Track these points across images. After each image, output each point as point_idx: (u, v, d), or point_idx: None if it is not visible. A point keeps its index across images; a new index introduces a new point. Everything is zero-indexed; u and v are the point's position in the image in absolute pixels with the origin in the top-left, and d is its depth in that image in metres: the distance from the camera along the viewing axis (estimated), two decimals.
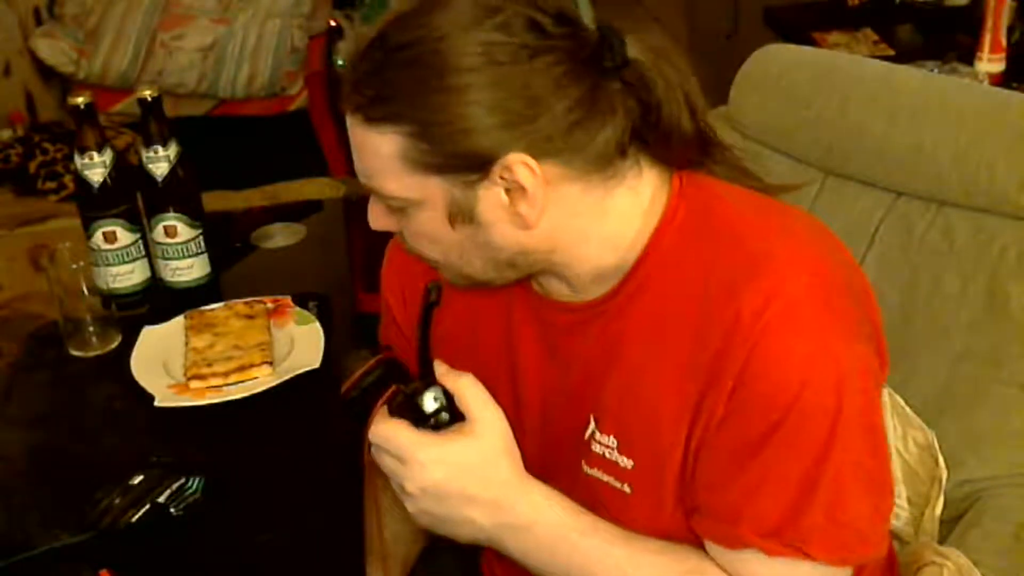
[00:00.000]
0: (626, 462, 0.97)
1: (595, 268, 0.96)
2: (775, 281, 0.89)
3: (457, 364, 0.97)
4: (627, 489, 0.97)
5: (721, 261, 0.91)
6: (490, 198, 0.89)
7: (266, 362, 1.32)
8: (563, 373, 1.02)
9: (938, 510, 1.20)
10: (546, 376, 1.03)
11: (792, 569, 0.91)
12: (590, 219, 0.93)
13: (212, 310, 1.42)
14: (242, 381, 1.30)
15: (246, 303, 1.43)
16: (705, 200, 0.96)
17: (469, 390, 0.93)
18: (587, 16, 0.90)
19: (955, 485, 1.25)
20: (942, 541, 1.20)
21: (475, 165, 0.88)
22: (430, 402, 0.94)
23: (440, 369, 0.94)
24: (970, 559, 1.12)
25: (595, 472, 1.00)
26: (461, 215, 0.90)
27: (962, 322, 1.29)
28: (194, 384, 1.30)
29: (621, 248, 0.95)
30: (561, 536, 0.94)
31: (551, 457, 1.02)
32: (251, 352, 1.33)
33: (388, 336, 1.15)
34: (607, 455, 0.98)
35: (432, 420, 0.93)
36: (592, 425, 1.00)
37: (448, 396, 0.94)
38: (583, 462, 1.01)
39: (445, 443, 0.92)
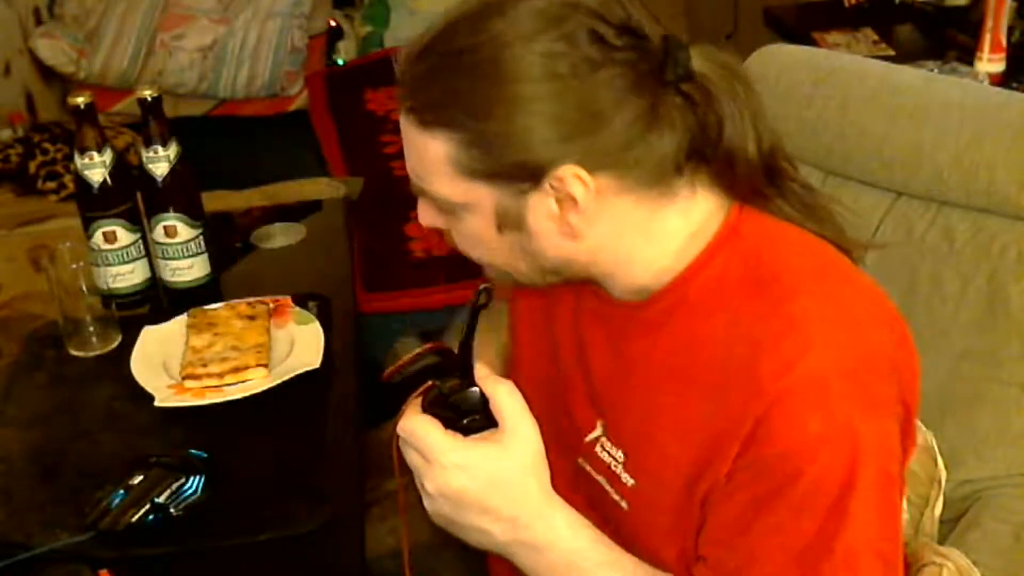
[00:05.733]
0: (628, 479, 0.96)
1: (634, 284, 0.94)
2: (803, 347, 0.85)
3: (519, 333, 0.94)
4: (624, 505, 0.96)
5: (757, 314, 0.87)
6: (540, 207, 0.88)
7: (261, 364, 1.32)
8: (586, 368, 1.01)
9: (937, 511, 1.20)
10: (571, 363, 1.03)
11: None
12: (636, 237, 0.91)
13: (215, 309, 1.42)
14: (236, 383, 1.30)
15: (248, 303, 1.43)
16: (759, 241, 0.92)
17: (506, 398, 0.90)
18: None
19: (955, 485, 1.25)
20: (942, 541, 1.20)
21: (527, 175, 0.86)
22: (465, 404, 0.91)
23: (480, 372, 0.91)
24: (970, 559, 1.12)
25: (599, 478, 0.99)
26: (509, 222, 0.89)
27: (962, 322, 1.29)
28: (188, 383, 1.30)
29: (661, 267, 0.92)
30: (576, 564, 0.91)
31: (551, 441, 1.02)
32: (247, 354, 1.33)
33: None
34: (613, 467, 0.97)
35: (464, 422, 0.91)
36: (599, 431, 0.99)
37: (484, 400, 0.91)
38: (582, 461, 1.01)
39: (473, 450, 0.89)
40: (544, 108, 0.84)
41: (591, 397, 1.01)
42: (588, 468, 1.01)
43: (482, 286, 0.94)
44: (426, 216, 0.95)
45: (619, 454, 0.97)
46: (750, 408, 0.85)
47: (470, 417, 0.91)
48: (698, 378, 0.90)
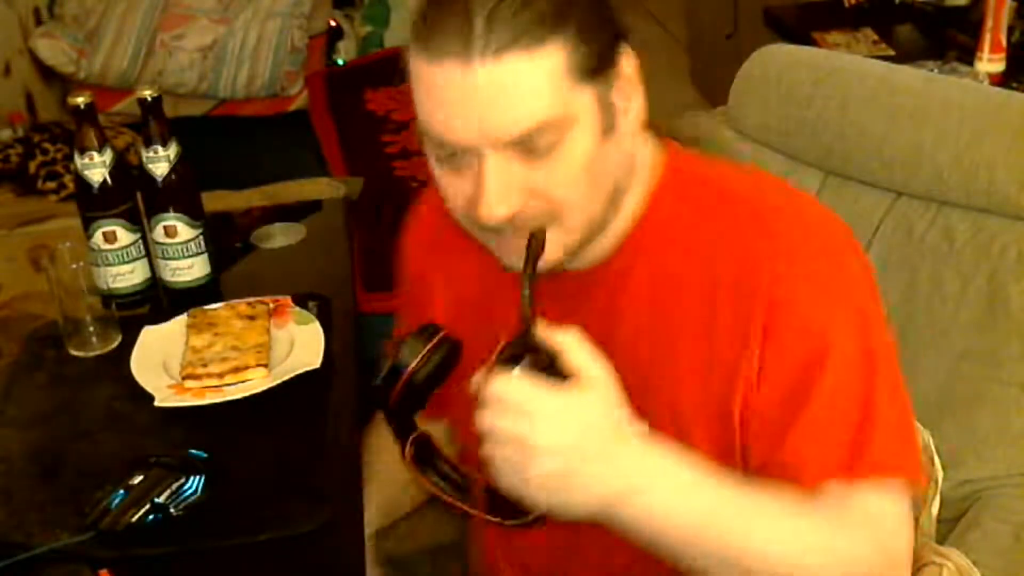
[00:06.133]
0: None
1: (604, 240, 0.99)
2: (780, 233, 0.94)
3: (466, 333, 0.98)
4: None
5: (724, 222, 0.95)
6: (620, 97, 0.93)
7: (261, 364, 1.32)
8: None
9: (935, 510, 1.20)
10: None
11: (865, 494, 0.91)
12: (629, 168, 0.98)
13: (215, 309, 1.42)
14: (236, 383, 1.30)
15: (248, 303, 1.43)
16: (695, 166, 1.01)
17: (577, 346, 0.87)
18: None
19: (955, 485, 1.25)
20: (942, 541, 1.20)
21: (615, 56, 0.93)
22: (534, 364, 0.86)
23: (540, 326, 0.88)
24: (970, 559, 1.12)
25: None
26: (609, 120, 0.93)
27: (962, 322, 1.30)
28: (188, 383, 1.30)
29: (627, 204, 0.99)
30: (695, 486, 0.89)
31: None
32: (247, 354, 1.33)
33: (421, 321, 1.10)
34: None
35: (546, 375, 0.86)
36: None
37: (551, 357, 0.87)
38: None
39: (574, 395, 0.85)
40: None
41: None
42: None
43: (537, 230, 0.91)
44: (507, 195, 0.90)
45: None
46: (755, 308, 0.92)
47: (544, 374, 0.87)
48: (684, 299, 0.96)
